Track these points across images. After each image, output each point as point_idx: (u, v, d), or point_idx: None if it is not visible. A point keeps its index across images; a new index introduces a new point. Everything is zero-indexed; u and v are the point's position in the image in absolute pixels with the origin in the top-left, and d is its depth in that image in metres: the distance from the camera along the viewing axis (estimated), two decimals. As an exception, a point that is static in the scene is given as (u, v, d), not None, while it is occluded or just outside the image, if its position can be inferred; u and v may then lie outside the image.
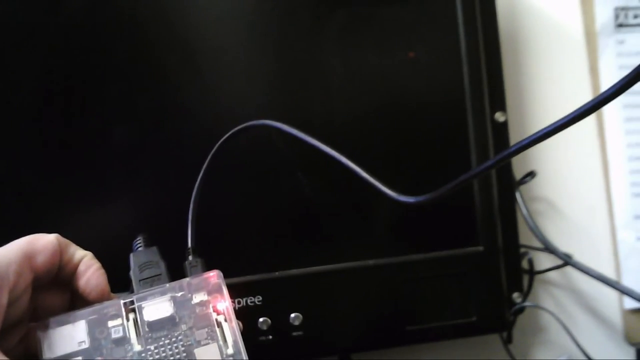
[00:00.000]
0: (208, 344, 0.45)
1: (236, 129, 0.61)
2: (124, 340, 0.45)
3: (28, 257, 0.44)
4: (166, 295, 0.47)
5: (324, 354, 0.75)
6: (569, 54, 0.90)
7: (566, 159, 0.89)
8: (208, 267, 0.50)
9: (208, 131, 0.68)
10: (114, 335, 0.45)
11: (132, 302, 0.47)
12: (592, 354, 0.81)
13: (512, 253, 0.80)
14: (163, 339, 0.45)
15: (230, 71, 0.74)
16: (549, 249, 0.82)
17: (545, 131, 0.42)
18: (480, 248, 0.76)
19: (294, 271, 0.72)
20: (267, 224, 0.73)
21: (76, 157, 0.71)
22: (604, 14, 0.90)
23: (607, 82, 0.89)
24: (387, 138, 0.76)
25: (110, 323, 0.45)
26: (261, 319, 0.70)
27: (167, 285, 0.48)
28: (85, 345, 0.44)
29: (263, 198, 0.73)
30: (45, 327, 0.45)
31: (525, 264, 0.82)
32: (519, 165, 0.85)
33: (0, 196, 0.70)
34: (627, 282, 0.86)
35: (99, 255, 0.49)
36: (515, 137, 0.82)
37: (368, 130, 0.76)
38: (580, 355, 0.82)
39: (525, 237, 0.83)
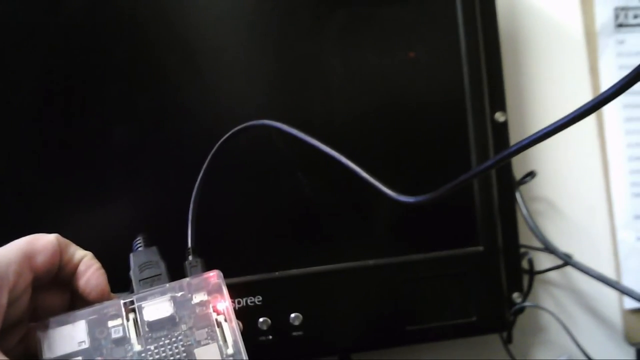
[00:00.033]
0: (208, 344, 0.45)
1: (236, 129, 0.61)
2: (124, 340, 0.45)
3: (28, 257, 0.44)
4: (166, 295, 0.47)
5: (324, 354, 0.75)
6: (569, 54, 0.90)
7: (566, 159, 0.89)
8: (208, 267, 0.50)
9: (208, 131, 0.68)
10: (114, 335, 0.45)
11: (132, 302, 0.47)
12: (592, 354, 0.81)
13: (512, 253, 0.80)
14: (163, 339, 0.45)
15: (230, 71, 0.74)
16: (549, 249, 0.82)
17: (545, 131, 0.42)
18: (480, 248, 0.76)
19: (294, 271, 0.72)
20: (267, 224, 0.73)
21: (76, 157, 0.71)
22: (604, 14, 0.90)
23: (607, 82, 0.89)
24: (387, 138, 0.76)
25: (110, 323, 0.45)
26: (261, 319, 0.70)
27: (167, 285, 0.48)
28: (85, 345, 0.44)
29: (263, 198, 0.73)
30: (45, 327, 0.45)
31: (525, 264, 0.82)
32: (519, 165, 0.85)
33: (0, 196, 0.70)
34: (627, 282, 0.86)
35: (99, 255, 0.49)
36: (515, 137, 0.82)
37: (368, 130, 0.76)
38: (580, 355, 0.82)
39: (525, 237, 0.83)
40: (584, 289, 0.87)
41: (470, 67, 0.76)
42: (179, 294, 0.47)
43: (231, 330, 0.46)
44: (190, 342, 0.45)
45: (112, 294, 0.48)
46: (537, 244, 0.83)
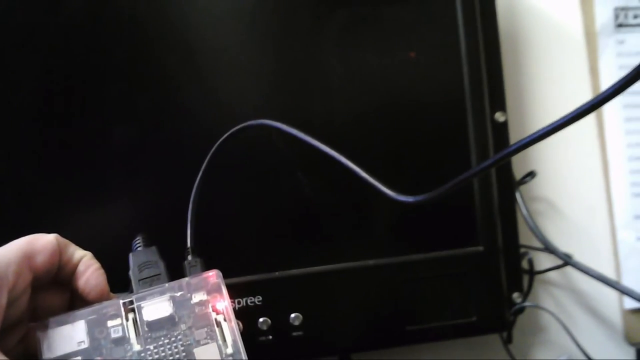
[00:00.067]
0: (207, 343, 0.45)
1: (235, 128, 0.61)
2: (123, 340, 0.45)
3: (27, 257, 0.44)
4: (165, 295, 0.47)
5: (324, 354, 0.75)
6: (569, 54, 0.90)
7: (566, 159, 0.89)
8: (207, 267, 0.50)
9: (208, 131, 0.67)
10: (114, 335, 0.45)
11: (131, 302, 0.47)
12: (592, 354, 0.81)
13: (512, 253, 0.80)
14: (162, 338, 0.45)
15: (230, 71, 0.74)
16: (549, 249, 0.82)
17: (544, 130, 0.41)
18: (480, 248, 0.76)
19: (294, 271, 0.72)
20: (267, 224, 0.73)
21: (76, 157, 0.71)
22: (603, 14, 0.90)
23: (607, 82, 0.89)
24: (387, 138, 0.76)
25: (110, 323, 0.45)
26: (261, 319, 0.70)
27: (167, 285, 0.48)
28: (85, 345, 0.44)
29: (263, 198, 0.73)
30: (45, 327, 0.45)
31: (525, 264, 0.82)
32: (519, 165, 0.85)
33: (0, 196, 0.70)
34: (627, 282, 0.86)
35: (98, 255, 0.49)
36: (515, 137, 0.82)
37: (368, 130, 0.76)
38: (580, 355, 0.82)
39: (525, 237, 0.83)
40: (584, 289, 0.87)
41: (470, 67, 0.76)
42: (178, 294, 0.47)
43: (230, 329, 0.46)
44: (189, 342, 0.45)
45: (112, 294, 0.48)
46: (537, 244, 0.83)
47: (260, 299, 0.71)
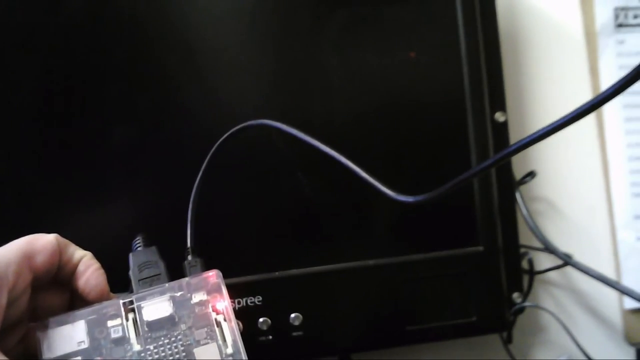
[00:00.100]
0: (207, 343, 0.45)
1: (235, 128, 0.61)
2: (123, 340, 0.45)
3: (27, 257, 0.44)
4: (165, 295, 0.47)
5: (324, 354, 0.75)
6: (569, 54, 0.90)
7: (566, 159, 0.89)
8: (208, 267, 0.50)
9: (208, 131, 0.67)
10: (114, 335, 0.45)
11: (131, 302, 0.47)
12: (592, 354, 0.81)
13: (512, 253, 0.80)
14: (162, 338, 0.45)
15: (230, 71, 0.74)
16: (549, 249, 0.82)
17: (544, 130, 0.41)
18: (480, 248, 0.76)
19: (294, 271, 0.72)
20: (267, 224, 0.73)
21: (76, 157, 0.71)
22: (603, 14, 0.90)
23: (607, 82, 0.89)
24: (387, 138, 0.76)
25: (110, 323, 0.45)
26: (261, 319, 0.70)
27: (167, 285, 0.48)
28: (85, 345, 0.44)
29: (263, 198, 0.73)
30: (45, 327, 0.45)
31: (525, 264, 0.82)
32: (519, 165, 0.85)
33: (0, 196, 0.70)
34: (627, 282, 0.86)
35: (98, 255, 0.49)
36: (516, 137, 0.82)
37: (368, 130, 0.76)
38: (580, 355, 0.82)
39: (525, 237, 0.83)
40: (584, 289, 0.87)
41: (470, 67, 0.76)
42: (178, 294, 0.47)
43: (230, 329, 0.46)
44: (189, 342, 0.45)
45: (112, 294, 0.48)
46: (537, 244, 0.83)
47: (260, 299, 0.71)
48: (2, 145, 0.70)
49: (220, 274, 0.49)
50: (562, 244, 0.83)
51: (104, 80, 0.72)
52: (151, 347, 0.45)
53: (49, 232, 0.46)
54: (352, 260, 0.73)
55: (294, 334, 0.71)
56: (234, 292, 0.54)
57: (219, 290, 0.48)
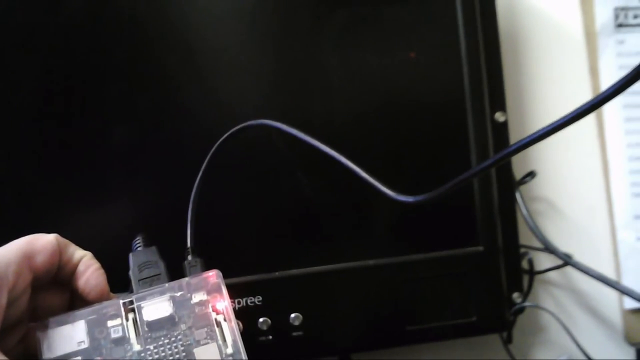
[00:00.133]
0: (207, 343, 0.45)
1: (235, 128, 0.61)
2: (123, 340, 0.45)
3: (27, 257, 0.44)
4: (165, 295, 0.47)
5: (324, 354, 0.75)
6: (569, 54, 0.90)
7: (566, 159, 0.89)
8: (208, 267, 0.50)
9: (208, 131, 0.67)
10: (114, 335, 0.45)
11: (131, 302, 0.47)
12: (592, 354, 0.81)
13: (512, 253, 0.80)
14: (162, 338, 0.45)
15: (230, 71, 0.74)
16: (549, 249, 0.82)
17: (544, 130, 0.41)
18: (481, 248, 0.75)
19: (294, 271, 0.72)
20: (267, 224, 0.73)
21: (76, 157, 0.71)
22: (603, 14, 0.90)
23: (607, 82, 0.89)
24: (387, 138, 0.76)
25: (110, 323, 0.45)
26: (261, 319, 0.70)
27: (167, 285, 0.48)
28: (85, 345, 0.44)
29: (263, 198, 0.73)
30: (45, 327, 0.45)
31: (525, 264, 0.82)
32: (519, 165, 0.85)
33: (0, 196, 0.70)
34: (627, 282, 0.86)
35: (98, 255, 0.49)
36: (516, 137, 0.82)
37: (368, 130, 0.76)
38: (580, 355, 0.82)
39: (525, 237, 0.83)
40: (584, 289, 0.87)
41: (470, 67, 0.76)
42: (178, 294, 0.47)
43: (230, 329, 0.46)
44: (189, 342, 0.45)
45: (112, 294, 0.48)
46: (537, 244, 0.83)
47: (260, 299, 0.71)
48: (2, 145, 0.70)
49: (220, 274, 0.49)
50: (562, 244, 0.83)
51: (104, 80, 0.72)
52: (151, 347, 0.45)
53: (49, 232, 0.46)
54: (352, 260, 0.73)
55: (294, 334, 0.71)
56: (234, 292, 0.54)
57: (219, 290, 0.48)
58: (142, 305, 0.46)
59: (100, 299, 0.47)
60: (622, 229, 0.87)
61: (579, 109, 0.39)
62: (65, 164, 0.70)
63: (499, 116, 0.80)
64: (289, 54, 0.75)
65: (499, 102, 0.80)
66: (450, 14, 0.77)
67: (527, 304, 0.80)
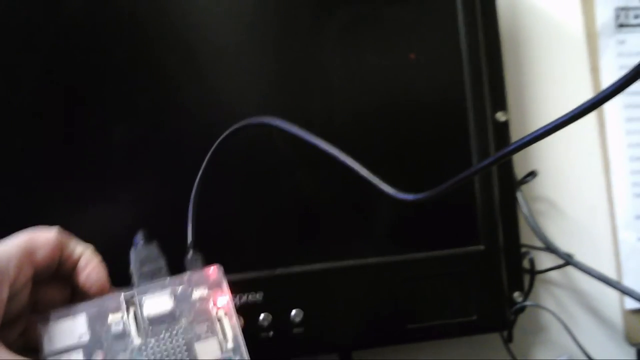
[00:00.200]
0: (208, 338, 0.45)
1: (235, 126, 0.61)
2: (124, 334, 0.45)
3: (28, 252, 0.44)
4: (166, 290, 0.47)
5: (324, 351, 0.75)
6: (569, 54, 0.90)
7: (567, 159, 0.89)
8: (209, 263, 0.51)
9: (208, 130, 0.67)
10: (114, 329, 0.45)
11: (132, 297, 0.47)
12: (593, 354, 0.81)
13: (513, 252, 0.80)
14: (163, 332, 0.45)
15: (230, 71, 0.74)
16: (550, 248, 0.82)
17: (545, 129, 0.42)
18: (481, 247, 0.75)
19: (295, 268, 0.72)
20: (268, 221, 0.73)
21: (77, 156, 0.71)
22: (604, 14, 0.90)
23: (608, 82, 0.88)
24: (387, 139, 0.76)
25: (111, 317, 0.46)
26: (262, 316, 0.70)
27: (168, 279, 0.48)
28: (86, 339, 0.44)
29: (264, 195, 0.73)
30: (46, 321, 0.45)
31: (526, 264, 0.81)
32: (520, 164, 0.85)
33: (0, 195, 0.70)
34: (628, 282, 0.86)
35: (100, 250, 0.49)
36: (517, 137, 0.82)
37: (369, 130, 0.76)
38: (581, 355, 0.82)
39: (526, 236, 0.83)
40: (584, 289, 0.87)
41: (471, 67, 0.77)
42: (179, 289, 0.47)
43: (231, 325, 0.46)
44: (190, 336, 0.45)
45: (113, 288, 0.48)
46: (538, 244, 0.83)
47: (262, 295, 0.71)
48: (3, 143, 0.70)
49: (221, 269, 0.49)
50: (563, 244, 0.83)
51: (104, 80, 0.72)
52: (152, 341, 0.45)
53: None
54: (353, 258, 0.73)
55: (295, 330, 0.71)
56: (235, 288, 0.53)
57: (220, 286, 0.48)
58: (143, 299, 0.47)
59: (101, 293, 0.47)
60: (623, 229, 0.87)
61: (579, 107, 0.39)
62: (67, 162, 0.70)
63: (500, 116, 0.80)
64: (289, 54, 0.75)
65: (500, 101, 0.80)
66: (451, 13, 0.77)
67: (527, 303, 0.80)
